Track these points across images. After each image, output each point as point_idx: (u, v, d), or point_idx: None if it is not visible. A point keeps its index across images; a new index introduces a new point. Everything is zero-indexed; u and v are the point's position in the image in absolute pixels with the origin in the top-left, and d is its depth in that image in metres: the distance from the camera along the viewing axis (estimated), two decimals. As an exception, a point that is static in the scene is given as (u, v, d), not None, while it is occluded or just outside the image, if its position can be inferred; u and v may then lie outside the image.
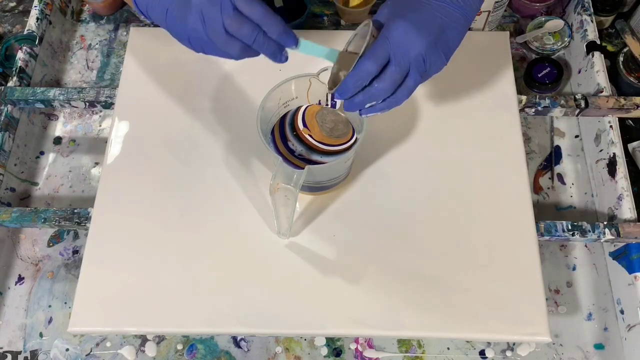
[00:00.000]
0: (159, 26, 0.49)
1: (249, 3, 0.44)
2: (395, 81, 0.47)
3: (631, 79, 0.78)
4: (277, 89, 0.56)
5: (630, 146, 0.77)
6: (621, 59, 0.80)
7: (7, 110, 0.75)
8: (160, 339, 0.69)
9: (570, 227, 0.66)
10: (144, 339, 0.69)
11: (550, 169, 0.78)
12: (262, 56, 0.48)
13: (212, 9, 0.44)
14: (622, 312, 0.68)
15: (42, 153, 0.81)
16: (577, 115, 0.75)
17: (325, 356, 0.68)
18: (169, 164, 0.67)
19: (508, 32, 0.75)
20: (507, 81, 0.71)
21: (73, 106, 0.77)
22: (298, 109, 0.61)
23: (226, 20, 0.44)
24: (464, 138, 0.67)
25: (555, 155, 0.79)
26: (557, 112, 0.75)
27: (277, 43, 0.46)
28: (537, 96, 0.74)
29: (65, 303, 0.71)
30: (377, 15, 0.50)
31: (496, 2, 0.76)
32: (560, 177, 0.77)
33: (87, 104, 0.76)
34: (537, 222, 0.64)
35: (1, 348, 0.70)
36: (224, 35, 0.45)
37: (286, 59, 0.48)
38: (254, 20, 0.45)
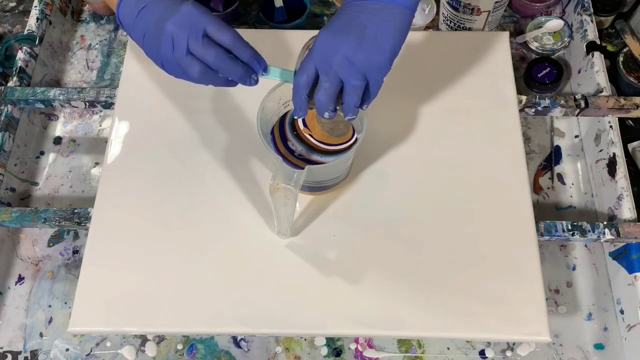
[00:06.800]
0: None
1: (219, 29, 0.45)
2: (326, 89, 0.47)
3: (631, 79, 0.78)
4: (277, 89, 0.56)
5: (630, 146, 0.77)
6: (621, 59, 0.80)
7: (7, 110, 0.75)
8: (160, 339, 0.69)
9: (570, 227, 0.66)
10: (144, 339, 0.69)
11: (550, 169, 0.78)
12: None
13: (181, 34, 0.45)
14: (622, 312, 0.68)
15: (42, 153, 0.81)
16: (577, 115, 0.75)
17: (325, 356, 0.68)
18: (169, 164, 0.67)
19: (508, 32, 0.75)
20: (507, 81, 0.71)
21: (73, 106, 0.77)
22: (298, 109, 0.60)
23: (192, 44, 0.45)
24: (464, 138, 0.67)
25: (555, 155, 0.79)
26: (557, 112, 0.75)
27: (246, 67, 0.48)
28: (537, 96, 0.74)
29: (65, 303, 0.71)
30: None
31: (496, 2, 0.76)
32: (560, 177, 0.77)
33: (87, 104, 0.76)
34: (537, 222, 0.64)
35: (1, 348, 0.70)
36: (187, 57, 0.46)
37: (256, 82, 0.49)
38: (225, 46, 0.46)
